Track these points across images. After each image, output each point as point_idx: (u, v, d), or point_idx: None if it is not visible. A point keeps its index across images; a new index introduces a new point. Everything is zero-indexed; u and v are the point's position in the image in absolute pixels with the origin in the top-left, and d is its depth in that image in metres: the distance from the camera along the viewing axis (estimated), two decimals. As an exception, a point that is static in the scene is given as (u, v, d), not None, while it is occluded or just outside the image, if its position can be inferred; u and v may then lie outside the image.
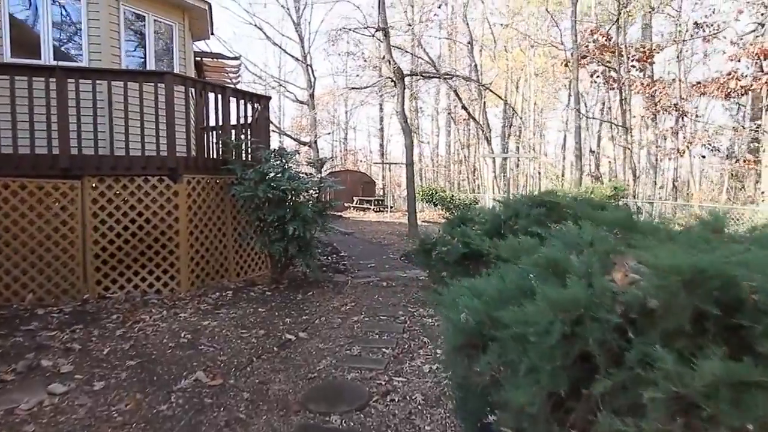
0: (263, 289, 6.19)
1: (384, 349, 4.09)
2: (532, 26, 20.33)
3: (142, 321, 4.73)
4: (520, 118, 23.57)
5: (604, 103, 21.74)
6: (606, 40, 15.18)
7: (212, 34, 9.17)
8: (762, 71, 10.66)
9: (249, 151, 6.83)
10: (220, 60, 11.33)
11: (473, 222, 5.85)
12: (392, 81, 11.87)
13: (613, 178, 15.87)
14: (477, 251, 5.30)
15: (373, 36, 13.13)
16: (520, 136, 26.26)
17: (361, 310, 5.41)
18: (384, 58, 11.65)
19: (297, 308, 5.42)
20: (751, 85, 10.96)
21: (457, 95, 17.47)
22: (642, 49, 14.73)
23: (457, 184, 31.67)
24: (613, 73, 15.30)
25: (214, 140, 6.58)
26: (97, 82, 5.46)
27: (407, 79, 11.62)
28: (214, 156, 6.50)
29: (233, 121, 6.75)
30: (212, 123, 6.77)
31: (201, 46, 15.66)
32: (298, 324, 4.85)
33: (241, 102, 6.78)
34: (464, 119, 25.31)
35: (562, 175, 22.06)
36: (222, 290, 6.00)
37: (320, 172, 7.05)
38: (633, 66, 15.05)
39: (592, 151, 19.93)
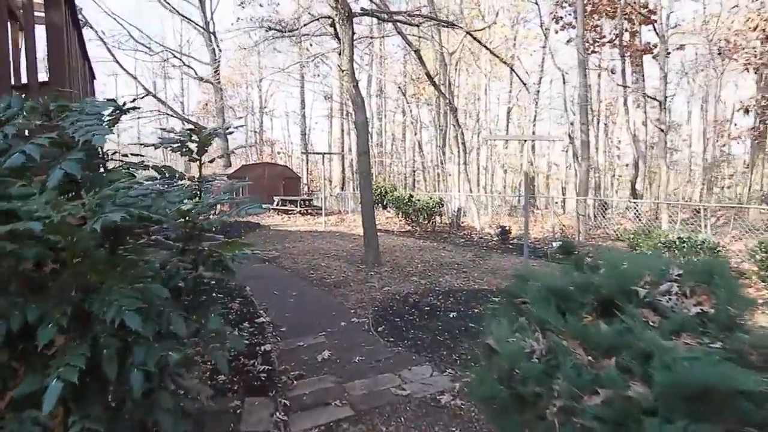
0: None
1: None
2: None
3: None
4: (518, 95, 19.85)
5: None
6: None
7: None
8: None
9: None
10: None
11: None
12: (332, 25, 7.75)
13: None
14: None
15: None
16: (477, 121, 23.12)
17: None
18: (320, -15, 7.44)
19: None
20: None
21: (420, 58, 13.17)
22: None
23: (402, 181, 27.97)
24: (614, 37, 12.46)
25: None
26: None
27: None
28: None
29: None
30: None
31: None
32: None
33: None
34: (422, 96, 21.26)
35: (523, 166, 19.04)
36: None
37: (200, 167, 2.82)
38: (627, 30, 12.32)
39: (571, 138, 17.04)
